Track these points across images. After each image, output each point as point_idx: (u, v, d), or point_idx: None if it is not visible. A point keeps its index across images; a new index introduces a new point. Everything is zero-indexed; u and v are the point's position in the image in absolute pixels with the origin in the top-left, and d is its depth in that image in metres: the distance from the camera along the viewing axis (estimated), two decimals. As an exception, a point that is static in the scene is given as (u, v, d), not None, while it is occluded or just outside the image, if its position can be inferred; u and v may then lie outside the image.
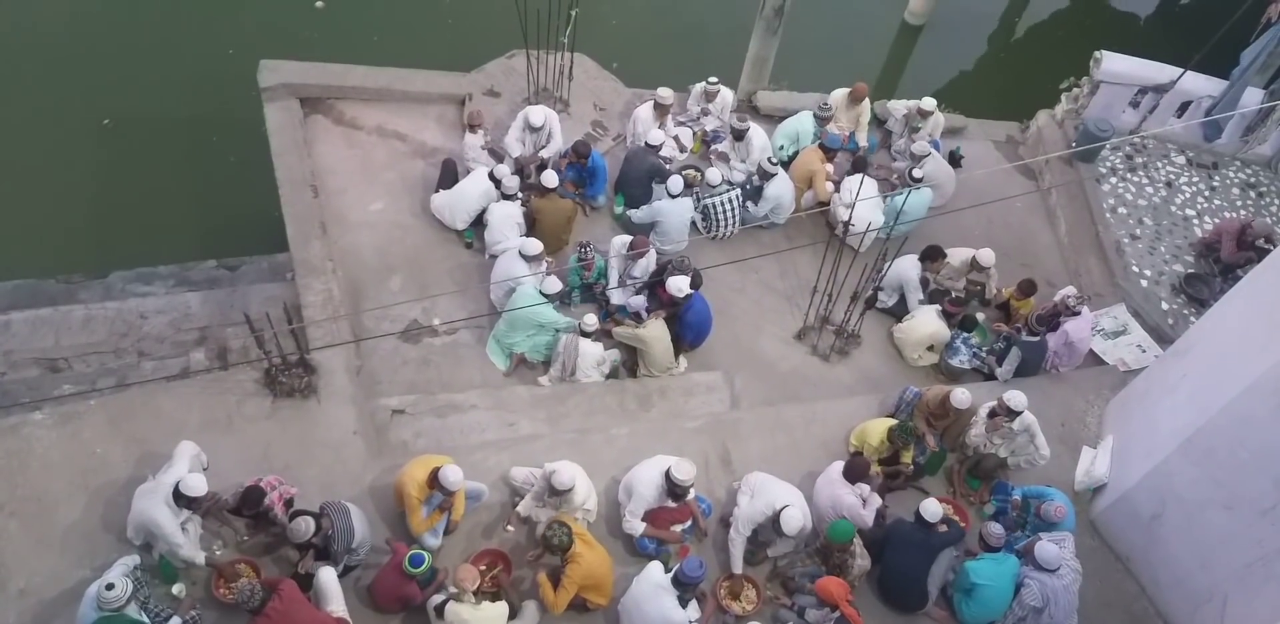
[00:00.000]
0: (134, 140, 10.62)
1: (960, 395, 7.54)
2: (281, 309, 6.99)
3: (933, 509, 6.78)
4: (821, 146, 9.59)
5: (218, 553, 6.50)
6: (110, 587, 5.66)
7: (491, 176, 8.69)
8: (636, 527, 6.83)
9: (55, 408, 7.00)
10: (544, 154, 9.29)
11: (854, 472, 7.08)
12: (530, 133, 9.12)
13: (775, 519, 6.71)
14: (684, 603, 6.25)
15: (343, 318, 7.91)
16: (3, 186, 9.84)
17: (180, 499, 6.15)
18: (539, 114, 9.06)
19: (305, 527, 6.08)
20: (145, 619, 5.86)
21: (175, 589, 6.26)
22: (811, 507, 7.09)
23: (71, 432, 6.88)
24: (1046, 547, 6.68)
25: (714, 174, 9.23)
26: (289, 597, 5.77)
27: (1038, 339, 8.48)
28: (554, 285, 8.14)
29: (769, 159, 9.34)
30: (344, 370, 7.60)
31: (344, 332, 7.87)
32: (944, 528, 6.90)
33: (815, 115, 9.87)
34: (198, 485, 6.14)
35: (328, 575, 6.14)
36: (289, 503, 6.57)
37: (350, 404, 7.44)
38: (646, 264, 8.70)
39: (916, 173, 9.28)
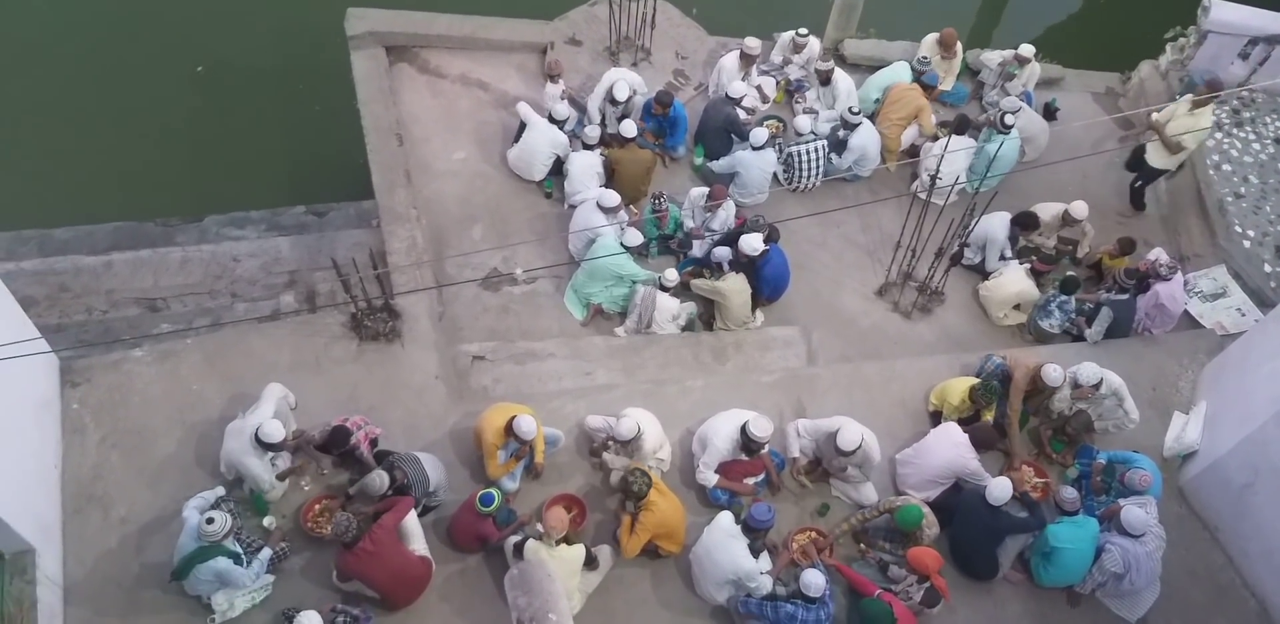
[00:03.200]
0: (226, 87, 10.82)
1: (1052, 373, 7.23)
2: (367, 255, 7.13)
3: (998, 493, 6.54)
4: (919, 82, 9.33)
5: (305, 488, 6.75)
6: (210, 520, 5.94)
7: (552, 119, 8.66)
8: (710, 478, 6.88)
9: (154, 345, 7.28)
10: (637, 96, 9.11)
11: (984, 440, 7.00)
12: (612, 105, 9.01)
13: (834, 438, 6.74)
14: (755, 552, 6.31)
15: (426, 264, 8.04)
16: (103, 132, 10.15)
17: (260, 444, 6.37)
18: (624, 89, 8.82)
19: (380, 481, 6.25)
20: (239, 550, 6.15)
21: (266, 522, 6.52)
22: (913, 465, 7.08)
23: (170, 368, 7.17)
24: (1134, 511, 6.52)
25: (803, 122, 9.08)
26: (380, 539, 5.95)
27: (1127, 297, 8.19)
28: (634, 238, 8.14)
29: (850, 109, 9.13)
30: (427, 316, 7.74)
31: (427, 278, 8.00)
32: (1023, 514, 6.71)
33: (913, 68, 9.59)
34: (275, 432, 6.32)
35: (410, 515, 6.32)
36: (374, 442, 6.76)
37: (433, 349, 7.59)
38: (725, 216, 8.62)
39: (1009, 119, 8.96)
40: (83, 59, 10.78)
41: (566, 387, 7.74)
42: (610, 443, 6.94)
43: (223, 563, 5.91)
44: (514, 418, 6.58)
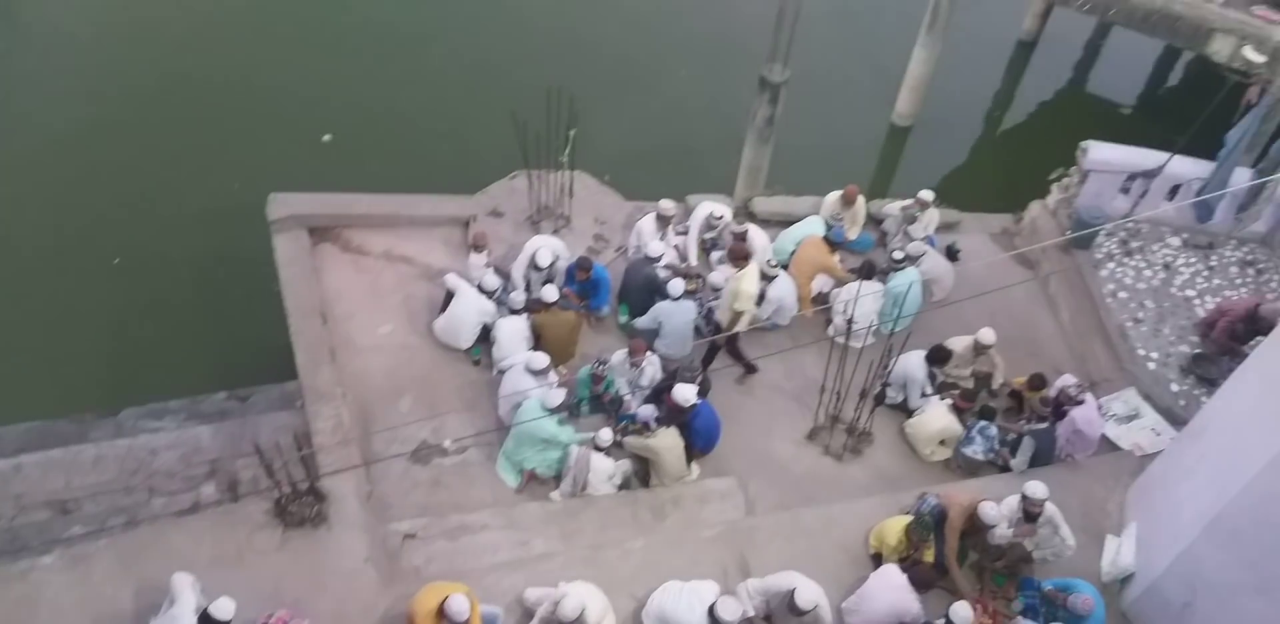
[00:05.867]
0: (143, 277, 10.86)
1: (989, 512, 7.30)
2: (292, 437, 7.03)
3: (964, 613, 6.53)
4: (826, 239, 9.89)
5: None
6: None
7: (481, 289, 8.85)
8: None
9: (65, 550, 6.97)
10: (560, 261, 9.40)
11: (924, 580, 7.02)
12: (536, 271, 9.27)
13: (790, 599, 6.58)
14: None
15: (352, 442, 7.92)
16: (15, 329, 10.03)
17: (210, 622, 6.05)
18: (547, 256, 9.13)
19: None
20: None
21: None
22: (858, 613, 6.94)
23: (81, 574, 6.84)
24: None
25: (717, 276, 9.37)
26: None
27: (1046, 425, 8.38)
28: (555, 398, 8.14)
29: (769, 262, 9.51)
30: (354, 496, 7.56)
31: (354, 456, 7.86)
32: None
33: (827, 222, 10.19)
34: (228, 608, 6.11)
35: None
36: (299, 638, 6.42)
37: (361, 531, 7.38)
38: (653, 373, 8.73)
39: (897, 255, 9.46)
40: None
41: (503, 559, 7.53)
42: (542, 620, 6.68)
43: None
44: (445, 599, 6.34)
